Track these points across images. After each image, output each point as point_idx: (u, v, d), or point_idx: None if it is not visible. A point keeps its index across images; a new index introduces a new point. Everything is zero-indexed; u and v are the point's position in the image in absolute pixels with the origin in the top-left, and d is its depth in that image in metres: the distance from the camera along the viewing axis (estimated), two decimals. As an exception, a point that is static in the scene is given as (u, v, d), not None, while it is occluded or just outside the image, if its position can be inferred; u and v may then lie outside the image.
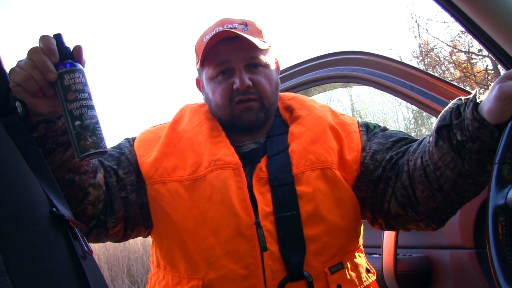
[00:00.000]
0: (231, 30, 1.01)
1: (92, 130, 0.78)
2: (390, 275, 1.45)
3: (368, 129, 1.09)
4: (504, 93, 0.75)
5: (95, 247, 5.68)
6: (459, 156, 0.84)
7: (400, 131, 1.09)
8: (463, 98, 0.87)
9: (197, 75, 1.14)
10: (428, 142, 0.90)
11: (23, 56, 0.79)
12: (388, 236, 1.48)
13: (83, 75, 0.79)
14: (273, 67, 1.08)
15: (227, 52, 1.01)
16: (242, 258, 0.92)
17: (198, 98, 1.23)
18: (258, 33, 1.06)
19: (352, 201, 1.00)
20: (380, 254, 1.52)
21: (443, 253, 1.42)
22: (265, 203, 0.95)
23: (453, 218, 1.40)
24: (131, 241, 5.74)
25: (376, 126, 1.10)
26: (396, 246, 1.46)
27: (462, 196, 0.91)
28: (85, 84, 0.79)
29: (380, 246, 1.52)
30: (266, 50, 1.06)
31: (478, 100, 0.82)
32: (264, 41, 1.05)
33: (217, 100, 1.04)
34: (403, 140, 1.02)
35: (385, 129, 1.09)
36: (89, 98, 0.79)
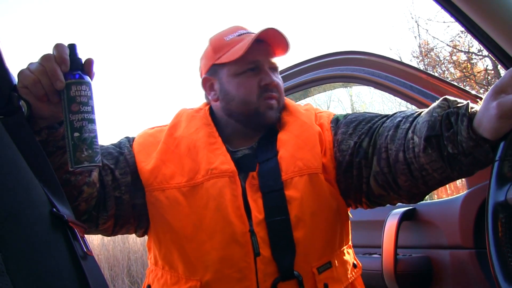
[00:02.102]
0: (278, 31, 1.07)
1: (89, 143, 0.79)
2: (390, 275, 1.45)
3: (337, 123, 1.10)
4: (505, 111, 0.73)
5: (95, 247, 5.68)
6: (449, 166, 0.85)
7: (364, 112, 1.11)
8: (449, 99, 0.86)
9: (207, 74, 1.13)
10: (412, 139, 0.88)
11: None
12: (388, 236, 1.49)
13: (90, 89, 0.80)
14: None
15: (259, 52, 1.08)
16: (236, 263, 0.95)
17: (191, 98, 1.23)
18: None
19: (337, 203, 1.04)
20: (380, 254, 1.52)
21: (443, 253, 1.42)
22: (258, 210, 0.98)
23: (453, 218, 1.41)
24: (131, 241, 5.75)
25: (347, 115, 1.12)
26: (396, 246, 1.46)
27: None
28: (90, 98, 0.80)
29: (380, 246, 1.52)
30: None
31: (470, 110, 0.81)
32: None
33: (243, 94, 1.08)
34: (363, 121, 1.04)
35: (347, 115, 1.11)
36: (92, 112, 0.80)
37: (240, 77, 1.08)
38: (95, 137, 0.80)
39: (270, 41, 1.09)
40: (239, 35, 1.09)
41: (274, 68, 1.11)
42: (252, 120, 1.09)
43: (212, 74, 1.13)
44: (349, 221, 1.13)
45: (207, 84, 1.14)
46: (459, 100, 0.85)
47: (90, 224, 0.99)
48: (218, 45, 1.11)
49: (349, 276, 1.05)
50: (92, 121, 0.79)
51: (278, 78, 1.11)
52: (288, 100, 1.18)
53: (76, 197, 0.92)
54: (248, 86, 1.07)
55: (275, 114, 1.09)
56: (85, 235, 0.77)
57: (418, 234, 1.52)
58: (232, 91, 1.09)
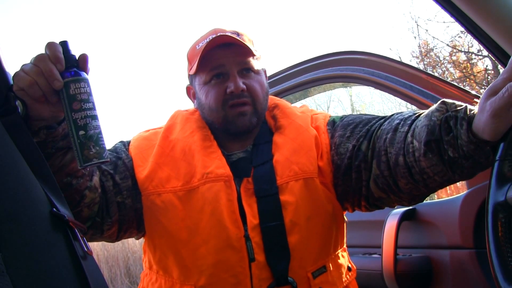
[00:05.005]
0: (226, 35, 1.03)
1: (95, 140, 0.78)
2: (390, 275, 1.45)
3: (334, 125, 1.09)
4: (496, 109, 0.73)
5: (95, 247, 5.68)
6: (450, 169, 0.84)
7: (360, 114, 1.10)
8: (447, 102, 0.85)
9: (188, 83, 1.15)
10: (411, 143, 0.88)
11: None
12: (388, 236, 1.49)
13: (88, 85, 0.80)
14: (263, 75, 1.11)
15: (222, 57, 1.03)
16: (231, 268, 0.95)
17: (186, 99, 1.22)
18: (250, 42, 1.09)
19: (333, 207, 1.04)
20: (380, 254, 1.52)
21: (443, 253, 1.42)
22: (252, 214, 0.98)
23: (453, 218, 1.41)
24: (130, 241, 5.74)
25: (343, 117, 1.11)
26: (396, 246, 1.46)
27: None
28: (90, 94, 0.79)
29: (380, 246, 1.52)
30: (258, 58, 1.09)
31: (469, 113, 0.81)
32: (256, 50, 1.08)
33: (210, 103, 1.05)
34: (361, 123, 1.03)
35: (344, 118, 1.10)
36: (93, 108, 0.79)
37: (207, 86, 1.05)
38: (100, 133, 0.80)
39: (238, 42, 1.03)
40: (211, 40, 1.03)
41: (246, 69, 1.05)
42: (225, 129, 1.06)
43: (191, 83, 1.14)
44: (345, 224, 1.12)
45: (190, 92, 1.15)
46: (457, 103, 0.85)
47: (95, 231, 0.98)
48: (190, 55, 1.10)
49: (343, 279, 1.05)
50: (95, 117, 0.79)
51: (252, 80, 1.05)
52: (283, 102, 1.17)
53: (78, 202, 0.91)
54: (213, 94, 1.04)
55: (248, 120, 1.04)
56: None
57: (418, 234, 1.52)
58: (203, 100, 1.07)
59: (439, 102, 0.87)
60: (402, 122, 0.93)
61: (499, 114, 0.74)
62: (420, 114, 0.92)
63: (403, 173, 0.91)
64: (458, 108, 0.83)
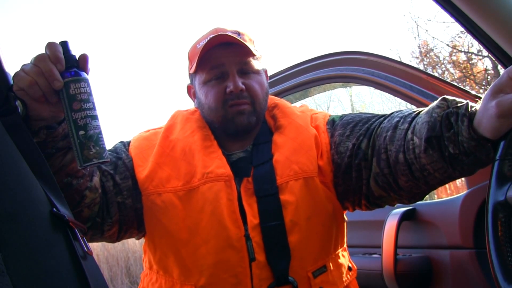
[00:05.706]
0: (226, 34, 1.03)
1: (95, 140, 0.79)
2: (390, 275, 1.45)
3: (333, 124, 1.09)
4: (504, 111, 0.73)
5: (95, 247, 5.68)
6: (450, 166, 0.84)
7: (360, 113, 1.10)
8: (448, 99, 0.85)
9: (189, 82, 1.16)
10: (412, 140, 0.88)
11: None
12: (388, 236, 1.49)
13: (88, 85, 0.80)
14: (263, 75, 1.11)
15: (221, 56, 1.04)
16: (231, 268, 0.95)
17: (186, 99, 1.22)
18: (250, 42, 1.09)
19: (333, 206, 1.04)
20: (380, 254, 1.52)
21: (443, 253, 1.42)
22: (253, 214, 0.98)
23: (453, 218, 1.42)
24: (130, 241, 5.75)
25: (343, 116, 1.11)
26: (396, 246, 1.46)
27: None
28: (90, 94, 0.80)
29: (380, 246, 1.52)
30: (258, 58, 1.09)
31: (470, 110, 0.80)
32: (256, 50, 1.08)
33: (210, 103, 1.05)
34: (360, 122, 1.03)
35: (343, 116, 1.10)
36: (93, 108, 0.79)
37: (207, 85, 1.05)
38: (100, 133, 0.80)
39: (238, 42, 1.03)
40: (210, 39, 1.02)
41: (244, 69, 1.05)
42: (225, 128, 1.06)
43: (191, 82, 1.14)
44: (345, 224, 1.13)
45: (191, 91, 1.16)
46: (458, 99, 0.85)
47: (96, 232, 0.98)
48: (191, 54, 1.11)
49: (344, 279, 1.05)
50: (95, 117, 0.79)
51: (251, 80, 1.05)
52: (283, 101, 1.17)
53: (78, 202, 0.91)
54: (213, 94, 1.04)
55: (247, 119, 1.04)
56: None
57: (418, 234, 1.53)
58: (202, 100, 1.07)
59: (439, 98, 0.87)
60: (402, 120, 0.93)
61: (505, 115, 0.73)
62: (420, 112, 0.92)
63: (403, 170, 0.91)
64: (459, 104, 0.83)
